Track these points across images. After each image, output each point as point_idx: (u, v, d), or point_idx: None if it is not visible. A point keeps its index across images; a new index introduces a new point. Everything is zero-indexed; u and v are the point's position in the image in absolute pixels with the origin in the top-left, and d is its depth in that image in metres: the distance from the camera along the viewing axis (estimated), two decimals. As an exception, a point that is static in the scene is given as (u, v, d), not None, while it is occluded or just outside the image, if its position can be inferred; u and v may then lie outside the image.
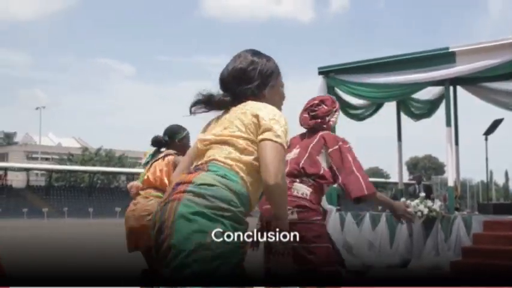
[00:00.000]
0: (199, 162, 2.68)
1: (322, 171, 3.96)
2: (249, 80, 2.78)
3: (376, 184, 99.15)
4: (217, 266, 2.40)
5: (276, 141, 2.57)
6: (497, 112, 15.57)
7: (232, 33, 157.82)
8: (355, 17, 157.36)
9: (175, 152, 5.60)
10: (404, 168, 78.90)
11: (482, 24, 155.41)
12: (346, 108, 14.33)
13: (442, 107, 13.49)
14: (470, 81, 14.33)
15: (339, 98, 14.06)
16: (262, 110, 2.66)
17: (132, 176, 78.68)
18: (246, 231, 2.51)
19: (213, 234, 2.40)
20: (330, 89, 13.67)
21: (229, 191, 2.51)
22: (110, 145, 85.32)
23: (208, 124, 2.85)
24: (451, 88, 13.97)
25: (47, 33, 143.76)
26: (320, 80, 13.79)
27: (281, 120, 2.65)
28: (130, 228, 5.46)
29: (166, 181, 5.41)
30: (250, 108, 2.68)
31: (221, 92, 2.81)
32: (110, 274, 10.14)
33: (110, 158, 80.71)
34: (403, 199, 12.76)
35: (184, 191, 2.49)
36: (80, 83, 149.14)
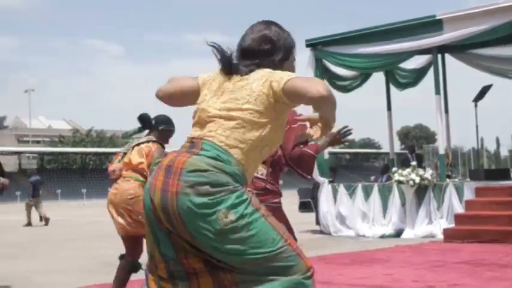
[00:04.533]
0: (196, 135, 2.63)
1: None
2: (273, 51, 2.75)
3: (368, 155, 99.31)
4: (247, 233, 2.44)
5: (295, 76, 2.55)
6: (485, 78, 15.57)
7: (219, 9, 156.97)
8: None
9: (156, 139, 5.65)
10: (396, 138, 79.02)
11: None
12: (334, 79, 14.28)
13: (430, 76, 13.46)
14: (458, 49, 14.28)
15: (327, 70, 14.02)
16: (270, 72, 2.62)
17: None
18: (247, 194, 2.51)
19: (223, 215, 2.42)
20: (318, 61, 13.62)
21: (223, 173, 2.48)
22: (100, 126, 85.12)
23: (208, 82, 2.74)
24: (439, 56, 13.93)
25: (34, 17, 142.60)
26: (308, 53, 13.71)
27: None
28: (112, 213, 5.52)
29: (145, 167, 5.50)
30: (261, 75, 2.62)
31: (236, 58, 2.73)
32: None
33: (101, 138, 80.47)
34: (395, 168, 12.79)
35: (179, 181, 2.47)
36: (69, 64, 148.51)
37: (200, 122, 2.67)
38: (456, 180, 13.15)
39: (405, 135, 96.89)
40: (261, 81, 2.60)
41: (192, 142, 2.61)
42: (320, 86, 2.45)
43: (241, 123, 2.57)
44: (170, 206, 2.47)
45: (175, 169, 2.50)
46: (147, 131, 5.77)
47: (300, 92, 2.49)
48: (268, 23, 2.82)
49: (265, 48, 2.73)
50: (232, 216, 2.42)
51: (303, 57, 13.64)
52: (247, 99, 2.58)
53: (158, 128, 5.71)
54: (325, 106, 2.51)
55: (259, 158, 2.67)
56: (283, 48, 2.78)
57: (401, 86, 15.54)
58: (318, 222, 13.44)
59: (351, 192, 12.92)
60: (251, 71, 2.67)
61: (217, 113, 2.61)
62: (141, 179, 5.48)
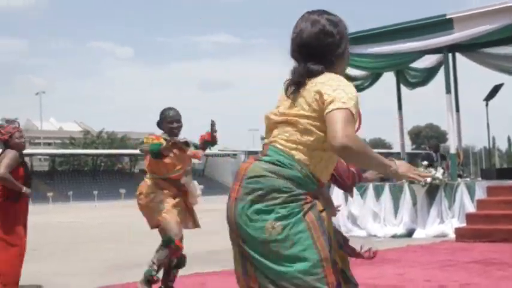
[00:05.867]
0: (266, 142, 2.70)
1: None
2: (335, 48, 2.68)
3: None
4: (292, 247, 2.44)
5: (340, 108, 2.46)
6: (497, 77, 15.51)
7: (227, 10, 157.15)
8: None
9: (162, 135, 5.83)
10: (407, 137, 78.89)
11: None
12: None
13: (441, 75, 13.43)
14: (469, 48, 14.23)
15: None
16: (326, 84, 2.55)
17: (135, 157, 78.86)
18: (307, 204, 2.49)
19: (270, 225, 2.44)
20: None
21: (279, 178, 2.50)
22: (111, 127, 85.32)
23: (284, 89, 2.72)
24: (450, 55, 13.90)
25: (43, 19, 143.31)
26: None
27: (347, 89, 2.55)
28: None
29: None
30: (314, 84, 2.58)
31: (295, 53, 2.69)
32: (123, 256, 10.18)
33: (112, 140, 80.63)
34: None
35: (240, 187, 2.56)
36: (78, 66, 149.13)
37: (267, 129, 2.74)
38: (468, 179, 13.11)
39: (416, 134, 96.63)
40: (313, 90, 2.57)
41: (263, 148, 2.70)
42: (342, 135, 2.38)
43: (297, 127, 2.58)
44: (231, 213, 2.57)
45: (239, 176, 2.61)
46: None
47: (329, 130, 2.45)
48: (320, 12, 2.72)
49: (325, 43, 2.65)
50: (279, 229, 2.43)
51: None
52: (302, 106, 2.59)
53: (163, 122, 5.87)
54: (346, 158, 2.57)
55: (327, 158, 2.61)
56: (344, 42, 2.70)
57: (412, 85, 15.51)
58: (329, 223, 13.42)
59: (362, 192, 12.90)
60: (311, 73, 2.62)
61: (278, 119, 2.66)
62: (153, 175, 5.81)
